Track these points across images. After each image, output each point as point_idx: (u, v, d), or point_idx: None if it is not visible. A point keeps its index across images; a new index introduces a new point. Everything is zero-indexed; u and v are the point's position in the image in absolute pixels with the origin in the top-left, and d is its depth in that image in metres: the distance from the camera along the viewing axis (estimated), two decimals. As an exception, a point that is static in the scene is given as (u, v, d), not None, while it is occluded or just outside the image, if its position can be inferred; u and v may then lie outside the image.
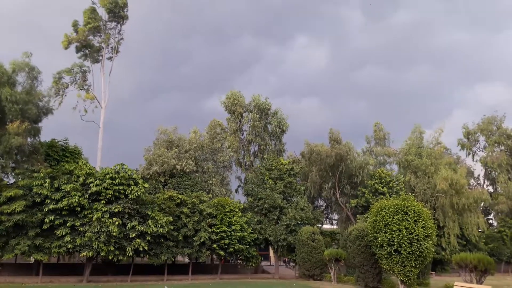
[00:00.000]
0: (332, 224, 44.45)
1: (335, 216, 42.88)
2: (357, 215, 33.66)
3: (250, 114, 37.46)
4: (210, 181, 34.05)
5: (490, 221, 47.79)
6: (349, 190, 36.92)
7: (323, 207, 41.78)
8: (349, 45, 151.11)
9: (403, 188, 33.89)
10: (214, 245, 27.30)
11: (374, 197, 32.46)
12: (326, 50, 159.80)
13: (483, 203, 35.85)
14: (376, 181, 34.14)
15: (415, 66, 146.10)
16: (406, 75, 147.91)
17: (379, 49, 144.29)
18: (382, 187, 33.48)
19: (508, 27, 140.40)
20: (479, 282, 16.06)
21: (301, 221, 30.85)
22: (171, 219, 25.96)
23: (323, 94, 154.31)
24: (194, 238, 26.78)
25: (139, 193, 24.86)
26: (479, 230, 37.15)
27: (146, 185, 26.60)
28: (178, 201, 27.67)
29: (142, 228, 24.39)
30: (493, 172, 46.99)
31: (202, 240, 26.62)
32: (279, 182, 32.76)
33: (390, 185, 33.88)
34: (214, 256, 31.71)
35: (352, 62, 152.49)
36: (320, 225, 36.35)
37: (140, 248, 24.40)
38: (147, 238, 24.59)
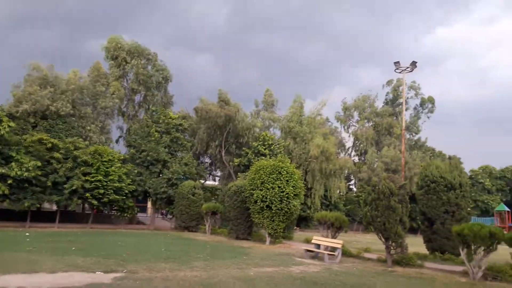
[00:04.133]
0: (214, 180, 45.76)
1: (218, 173, 44.18)
2: (239, 173, 35.15)
3: (133, 60, 35.37)
4: (88, 128, 31.75)
5: (351, 187, 54.64)
6: (234, 149, 38.17)
7: (207, 164, 42.57)
8: (251, 7, 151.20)
9: (282, 152, 36.26)
10: (87, 194, 25.85)
11: (256, 157, 34.10)
12: (228, 8, 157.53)
13: (347, 170, 40.49)
14: (260, 143, 35.86)
15: (310, 42, 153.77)
16: (303, 49, 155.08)
17: (279, 17, 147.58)
18: (265, 149, 35.35)
19: (393, 18, 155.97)
20: (334, 237, 18.26)
21: (183, 175, 31.05)
22: (39, 164, 23.81)
23: (218, 53, 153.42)
24: (65, 186, 25.06)
25: (2, 132, 22.29)
26: (340, 194, 42.26)
27: (11, 124, 23.79)
28: (50, 145, 25.40)
29: (3, 171, 22.08)
30: (361, 144, 53.38)
31: (74, 188, 25.02)
32: (166, 136, 32.18)
33: (272, 147, 35.95)
34: (86, 205, 30.22)
35: (251, 25, 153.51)
36: (203, 181, 37.12)
37: (0, 192, 21.96)
38: (8, 182, 22.37)
